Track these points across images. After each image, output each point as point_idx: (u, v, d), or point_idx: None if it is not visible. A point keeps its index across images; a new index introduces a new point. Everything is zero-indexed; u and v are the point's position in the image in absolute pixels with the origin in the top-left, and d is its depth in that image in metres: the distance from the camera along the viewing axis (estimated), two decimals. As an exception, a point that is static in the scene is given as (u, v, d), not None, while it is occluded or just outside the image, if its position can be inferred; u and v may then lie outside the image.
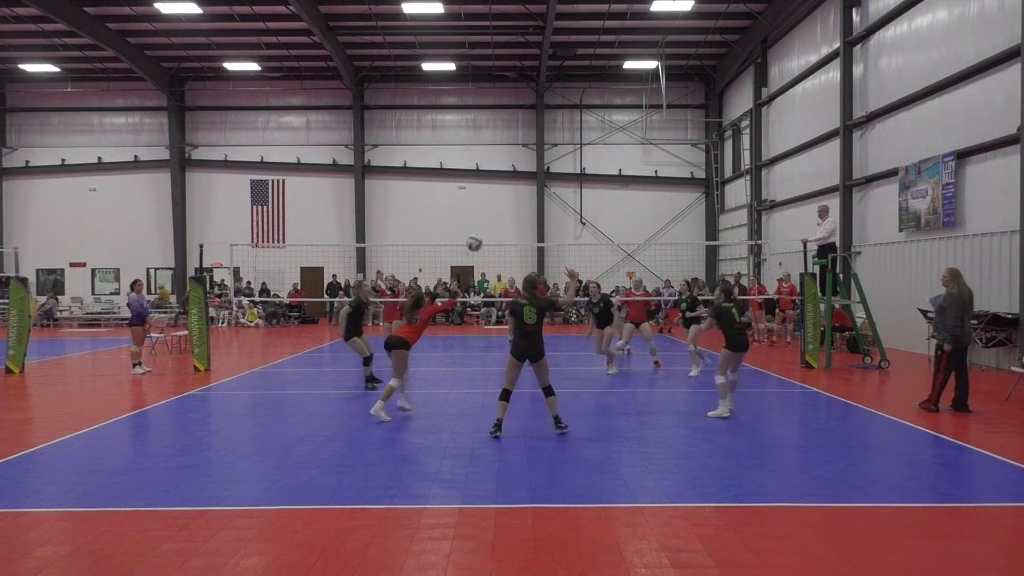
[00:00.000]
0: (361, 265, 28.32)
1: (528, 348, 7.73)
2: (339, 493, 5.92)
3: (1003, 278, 12.78)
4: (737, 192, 26.96)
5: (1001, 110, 12.75)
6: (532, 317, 7.76)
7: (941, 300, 9.07)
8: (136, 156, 29.55)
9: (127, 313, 14.35)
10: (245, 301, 25.55)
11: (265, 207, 29.29)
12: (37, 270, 29.32)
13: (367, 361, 11.34)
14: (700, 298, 15.53)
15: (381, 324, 14.57)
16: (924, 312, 14.29)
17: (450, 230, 27.37)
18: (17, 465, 6.87)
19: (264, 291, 26.60)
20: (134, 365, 13.09)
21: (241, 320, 25.74)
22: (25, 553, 4.72)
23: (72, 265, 29.73)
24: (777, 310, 18.25)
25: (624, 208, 29.12)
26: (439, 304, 10.13)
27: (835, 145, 18.81)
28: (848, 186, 18.26)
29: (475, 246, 13.51)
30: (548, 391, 7.90)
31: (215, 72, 28.70)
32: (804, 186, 21.04)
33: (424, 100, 29.44)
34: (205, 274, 17.86)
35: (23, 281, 13.79)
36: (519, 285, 18.30)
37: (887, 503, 5.67)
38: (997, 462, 6.81)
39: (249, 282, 27.07)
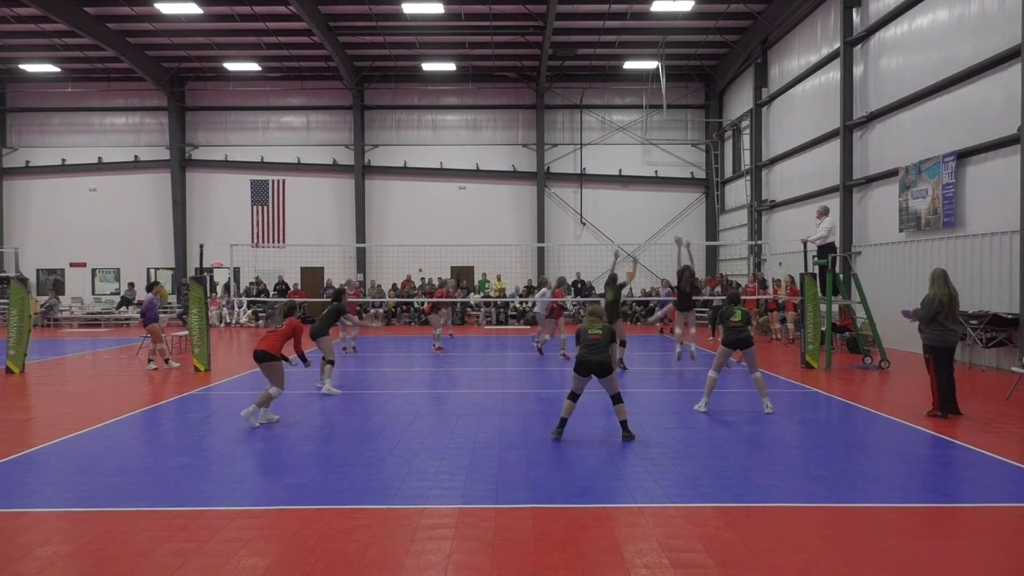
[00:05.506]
0: (361, 265, 28.31)
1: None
2: (339, 493, 5.92)
3: (1003, 278, 12.77)
4: (737, 192, 26.95)
5: (1001, 110, 12.74)
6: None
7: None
8: (136, 156, 29.54)
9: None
10: (244, 301, 25.53)
11: (265, 207, 29.27)
12: (37, 270, 29.29)
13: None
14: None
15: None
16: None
17: (450, 230, 27.43)
18: (17, 465, 6.87)
19: (263, 292, 26.56)
20: (149, 360, 13.71)
21: (241, 320, 25.71)
22: (25, 553, 4.72)
23: (72, 265, 29.70)
24: (776, 311, 18.24)
25: (624, 208, 29.08)
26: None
27: (835, 145, 18.80)
28: (848, 186, 18.25)
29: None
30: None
31: (215, 72, 28.68)
32: (804, 186, 21.02)
33: (424, 100, 29.42)
34: (205, 274, 17.81)
35: (23, 281, 13.81)
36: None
37: (887, 503, 5.67)
38: (997, 462, 6.81)
39: (258, 281, 26.83)
